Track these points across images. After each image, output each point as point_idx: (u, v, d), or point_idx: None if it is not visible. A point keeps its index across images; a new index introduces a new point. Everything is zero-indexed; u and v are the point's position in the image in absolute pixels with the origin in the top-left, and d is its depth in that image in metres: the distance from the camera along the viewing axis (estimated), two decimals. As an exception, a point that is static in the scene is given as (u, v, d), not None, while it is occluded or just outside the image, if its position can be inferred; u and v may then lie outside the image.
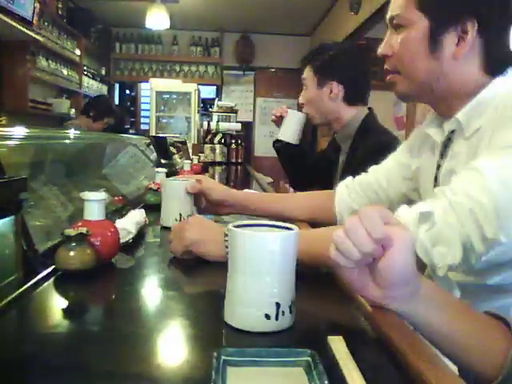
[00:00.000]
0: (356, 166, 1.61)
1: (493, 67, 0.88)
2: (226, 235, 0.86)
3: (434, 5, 0.87)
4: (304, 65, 1.79)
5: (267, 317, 0.62)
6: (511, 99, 0.81)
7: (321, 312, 0.75)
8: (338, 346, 0.56)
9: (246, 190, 1.83)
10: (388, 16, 0.94)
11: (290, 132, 1.95)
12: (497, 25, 0.87)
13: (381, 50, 0.95)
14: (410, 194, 1.10)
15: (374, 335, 0.63)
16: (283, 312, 0.63)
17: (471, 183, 0.72)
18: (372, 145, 1.58)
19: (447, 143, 0.95)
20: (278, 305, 0.62)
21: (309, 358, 0.50)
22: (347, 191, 1.23)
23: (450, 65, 0.88)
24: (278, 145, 2.04)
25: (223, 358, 0.50)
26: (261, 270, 0.62)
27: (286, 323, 0.63)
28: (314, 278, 0.71)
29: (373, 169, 1.22)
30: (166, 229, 1.21)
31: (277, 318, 0.62)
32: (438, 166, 0.96)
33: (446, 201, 0.73)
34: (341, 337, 0.58)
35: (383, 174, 1.17)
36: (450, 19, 0.86)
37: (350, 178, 1.26)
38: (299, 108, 1.87)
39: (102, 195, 0.86)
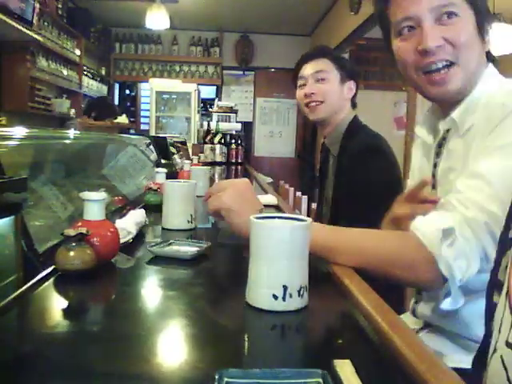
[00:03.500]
0: (346, 169, 1.61)
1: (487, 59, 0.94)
2: None
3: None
4: (317, 55, 1.74)
5: (275, 297, 0.68)
6: (499, 99, 0.83)
7: (321, 314, 0.76)
8: (345, 371, 0.49)
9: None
10: (433, 5, 0.88)
11: None
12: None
13: (433, 42, 0.87)
14: None
15: (373, 335, 0.63)
16: (291, 294, 0.68)
17: (479, 193, 0.76)
18: (360, 146, 1.59)
19: (442, 142, 0.96)
20: (285, 287, 0.68)
21: (320, 380, 0.45)
22: None
23: (482, 56, 0.91)
24: None
25: (226, 380, 0.45)
26: (270, 256, 0.69)
27: (293, 305, 0.69)
28: (316, 282, 0.71)
29: None
30: (168, 230, 1.21)
31: (284, 299, 0.68)
32: (435, 165, 0.98)
33: (459, 216, 0.76)
34: (348, 360, 0.51)
35: None
36: (487, 15, 0.90)
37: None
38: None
39: (101, 195, 0.86)
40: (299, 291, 0.69)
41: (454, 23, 0.87)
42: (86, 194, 0.85)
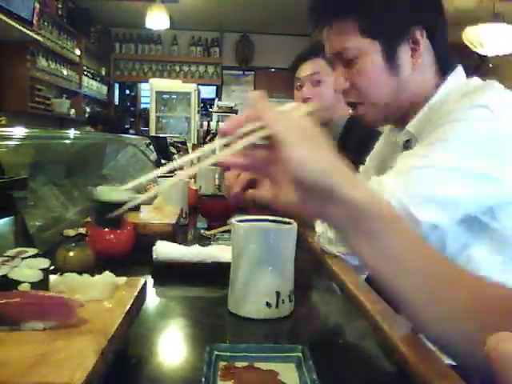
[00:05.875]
0: (352, 152, 1.61)
1: (444, 66, 0.89)
2: None
3: (380, 27, 0.85)
4: (312, 55, 1.69)
5: (268, 305, 0.65)
6: (447, 106, 0.83)
7: (318, 310, 0.76)
8: None
9: None
10: (331, 53, 0.91)
11: None
12: (439, 24, 0.89)
13: (340, 87, 0.92)
14: None
15: (374, 336, 0.63)
16: (283, 300, 0.66)
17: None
18: (358, 139, 1.59)
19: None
20: (278, 294, 0.66)
21: (299, 354, 0.50)
22: None
23: (410, 76, 0.87)
24: None
25: (216, 352, 0.50)
26: (262, 261, 0.65)
27: (285, 311, 0.67)
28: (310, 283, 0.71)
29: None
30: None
31: (277, 306, 0.66)
32: None
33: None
34: None
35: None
36: (400, 34, 0.85)
37: None
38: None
39: None
40: (289, 296, 0.68)
41: (355, 67, 0.88)
42: None
